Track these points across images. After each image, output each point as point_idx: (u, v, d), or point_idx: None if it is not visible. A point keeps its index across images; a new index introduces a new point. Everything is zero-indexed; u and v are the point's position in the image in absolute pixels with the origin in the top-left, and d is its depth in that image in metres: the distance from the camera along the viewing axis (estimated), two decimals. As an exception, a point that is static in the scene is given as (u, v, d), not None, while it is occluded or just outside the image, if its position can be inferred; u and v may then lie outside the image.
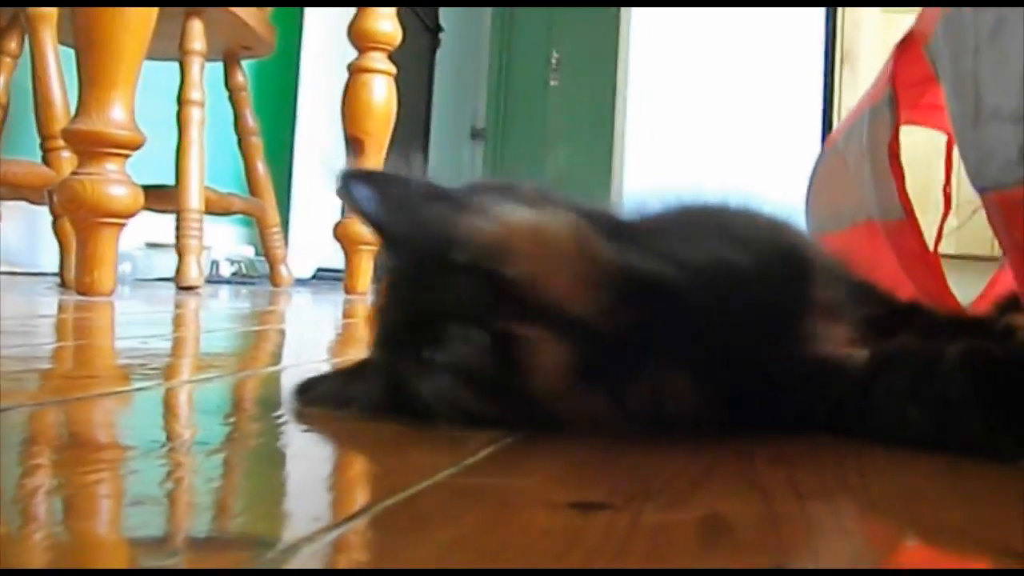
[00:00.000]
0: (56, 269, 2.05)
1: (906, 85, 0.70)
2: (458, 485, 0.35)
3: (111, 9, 1.38)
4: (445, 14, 4.74)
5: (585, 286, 0.43)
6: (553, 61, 5.34)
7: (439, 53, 4.76)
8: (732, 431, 0.44)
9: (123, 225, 1.44)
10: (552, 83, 5.34)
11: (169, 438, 0.44)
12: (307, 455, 0.42)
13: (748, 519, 0.32)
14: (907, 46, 0.67)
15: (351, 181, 0.53)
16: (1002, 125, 0.36)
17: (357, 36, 2.13)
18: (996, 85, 0.36)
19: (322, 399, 0.51)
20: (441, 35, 4.73)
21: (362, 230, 2.18)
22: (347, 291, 2.22)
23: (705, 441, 0.43)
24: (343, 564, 0.26)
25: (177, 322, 1.18)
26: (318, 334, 1.16)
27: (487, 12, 5.41)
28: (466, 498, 0.33)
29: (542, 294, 0.43)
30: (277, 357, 0.86)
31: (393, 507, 0.31)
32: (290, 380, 0.67)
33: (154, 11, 1.45)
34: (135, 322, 1.16)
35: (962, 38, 0.41)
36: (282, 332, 1.13)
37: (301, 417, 0.49)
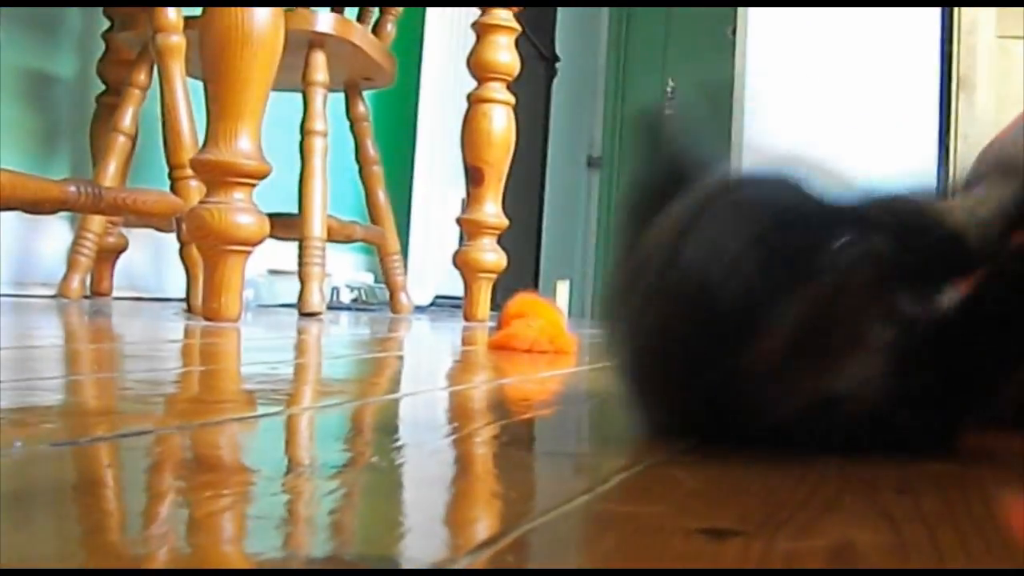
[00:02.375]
0: (181, 295, 2.10)
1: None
2: (591, 511, 0.34)
3: (239, 42, 1.41)
4: (561, 43, 4.76)
5: None
6: (669, 89, 5.31)
7: (555, 82, 4.77)
8: (851, 457, 0.44)
9: (250, 252, 1.46)
10: (668, 111, 5.31)
11: (293, 463, 0.44)
12: (433, 480, 0.41)
13: (878, 548, 0.31)
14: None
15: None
16: None
17: (476, 66, 2.15)
18: None
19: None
20: (557, 64, 4.74)
21: (482, 257, 2.19)
22: (466, 318, 2.23)
23: (828, 468, 0.42)
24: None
25: (300, 348, 1.19)
26: (437, 362, 1.16)
27: (602, 40, 5.42)
28: (600, 524, 0.32)
29: None
30: (396, 384, 0.86)
31: (527, 533, 0.30)
32: (409, 407, 0.67)
33: (279, 44, 1.48)
34: (260, 348, 1.17)
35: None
36: (401, 359, 1.13)
37: (422, 443, 0.48)
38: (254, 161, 1.44)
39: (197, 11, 1.72)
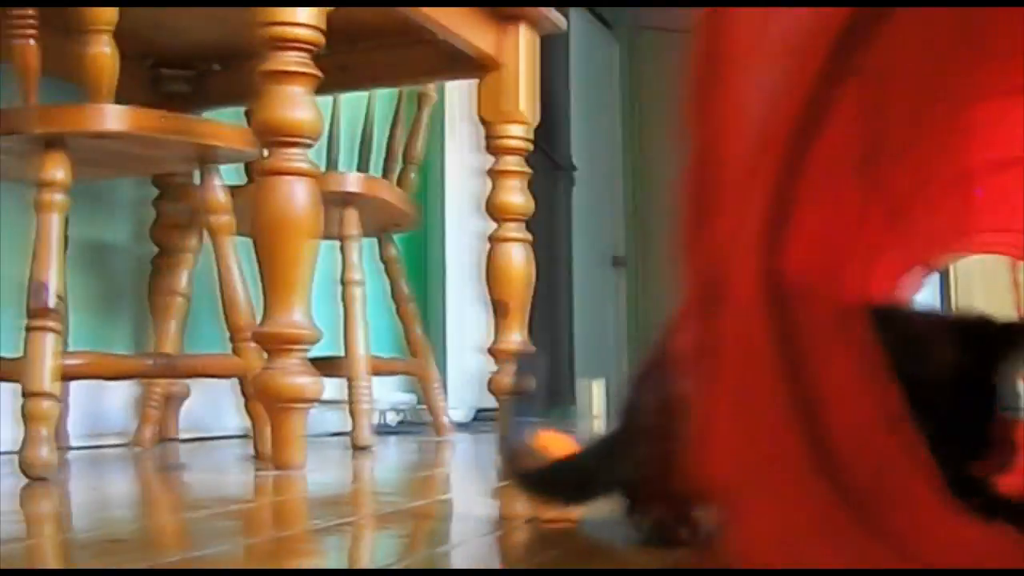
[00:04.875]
0: (238, 431, 2.43)
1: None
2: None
3: (286, 227, 1.63)
4: (577, 153, 4.98)
5: None
6: (685, 185, 5.51)
7: (575, 189, 4.99)
8: None
9: (309, 408, 1.68)
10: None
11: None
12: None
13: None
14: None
15: None
16: None
17: (493, 209, 2.36)
18: None
19: None
20: (575, 173, 4.97)
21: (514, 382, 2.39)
22: (504, 439, 2.42)
23: None
24: None
25: (354, 500, 1.39)
26: (479, 498, 1.36)
27: (617, 145, 5.65)
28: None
29: None
30: (445, 534, 1.06)
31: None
32: (460, 556, 0.86)
33: (321, 221, 1.70)
34: (326, 500, 1.37)
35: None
36: (448, 504, 1.33)
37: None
38: (307, 330, 1.66)
39: (241, 180, 1.96)
